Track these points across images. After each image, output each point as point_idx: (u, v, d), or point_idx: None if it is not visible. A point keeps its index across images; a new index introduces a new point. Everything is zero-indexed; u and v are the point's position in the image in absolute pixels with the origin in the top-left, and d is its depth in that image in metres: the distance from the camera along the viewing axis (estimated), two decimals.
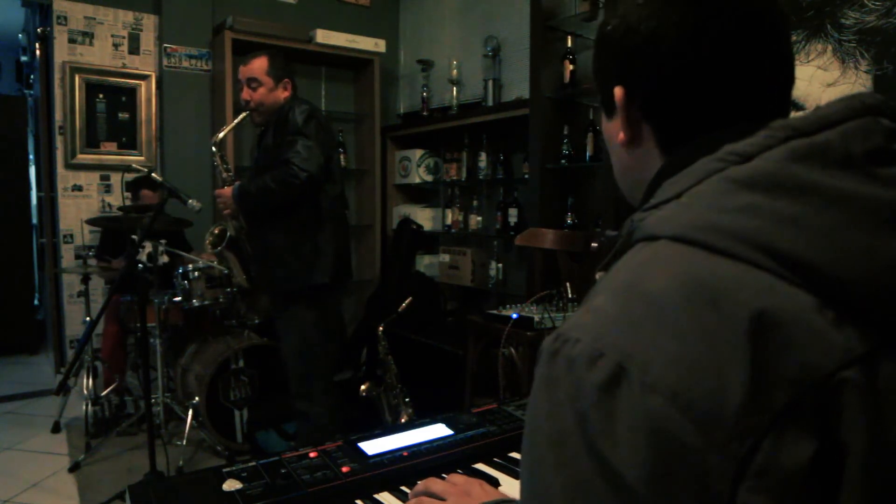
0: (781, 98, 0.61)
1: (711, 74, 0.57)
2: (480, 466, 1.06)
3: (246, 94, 2.45)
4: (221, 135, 2.59)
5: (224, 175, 2.57)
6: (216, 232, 2.67)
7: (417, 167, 4.23)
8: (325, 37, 4.04)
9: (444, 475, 0.96)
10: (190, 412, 2.96)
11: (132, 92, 3.85)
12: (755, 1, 0.58)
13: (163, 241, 2.82)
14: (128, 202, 3.42)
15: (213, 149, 2.60)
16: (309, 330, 2.46)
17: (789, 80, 0.61)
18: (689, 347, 0.43)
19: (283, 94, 2.46)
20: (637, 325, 0.45)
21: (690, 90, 0.58)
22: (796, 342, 0.42)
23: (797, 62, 1.89)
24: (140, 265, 2.42)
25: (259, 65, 2.43)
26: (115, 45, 3.81)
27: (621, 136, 0.63)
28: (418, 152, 4.23)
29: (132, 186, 3.43)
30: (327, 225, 2.44)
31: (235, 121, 2.53)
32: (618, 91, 0.61)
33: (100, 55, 3.77)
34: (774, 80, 0.60)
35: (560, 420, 0.46)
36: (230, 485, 0.92)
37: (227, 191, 2.46)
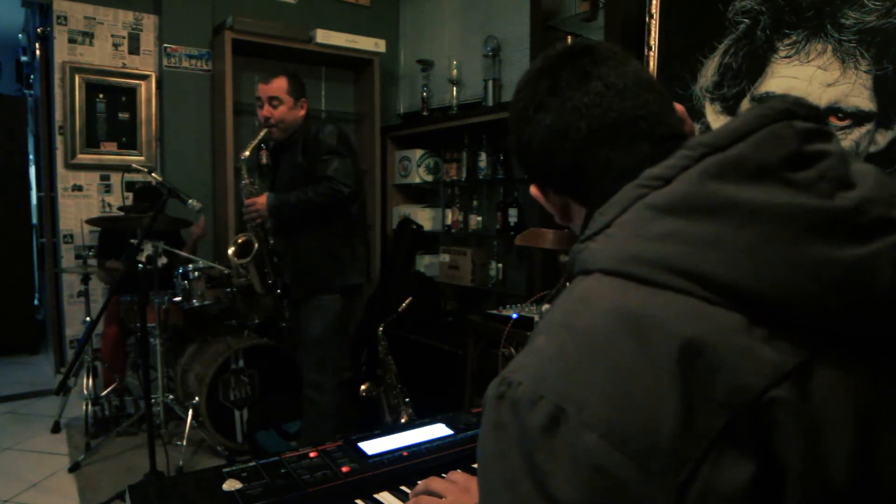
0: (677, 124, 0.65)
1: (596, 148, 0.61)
2: None
3: (267, 111, 2.54)
4: (248, 152, 2.65)
5: (251, 188, 2.63)
6: (240, 241, 2.69)
7: (417, 167, 4.22)
8: (325, 37, 4.03)
9: (444, 475, 0.96)
10: (190, 412, 2.96)
11: (132, 92, 3.85)
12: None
13: (161, 243, 2.81)
14: (128, 202, 3.42)
15: (242, 163, 2.66)
16: (333, 322, 2.57)
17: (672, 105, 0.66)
18: (621, 382, 0.44)
19: (301, 112, 2.60)
20: (572, 364, 0.46)
21: (590, 170, 0.62)
22: (725, 365, 0.42)
23: (797, 62, 1.89)
24: (140, 265, 2.43)
25: (280, 84, 2.55)
26: (115, 45, 3.80)
27: (557, 215, 0.70)
28: (418, 152, 4.23)
29: (138, 196, 3.42)
30: (358, 231, 2.62)
31: (258, 137, 2.61)
32: (533, 189, 0.69)
33: (100, 55, 3.76)
34: (659, 118, 0.63)
35: (510, 462, 0.47)
36: (230, 485, 0.92)
37: (262, 199, 2.54)
